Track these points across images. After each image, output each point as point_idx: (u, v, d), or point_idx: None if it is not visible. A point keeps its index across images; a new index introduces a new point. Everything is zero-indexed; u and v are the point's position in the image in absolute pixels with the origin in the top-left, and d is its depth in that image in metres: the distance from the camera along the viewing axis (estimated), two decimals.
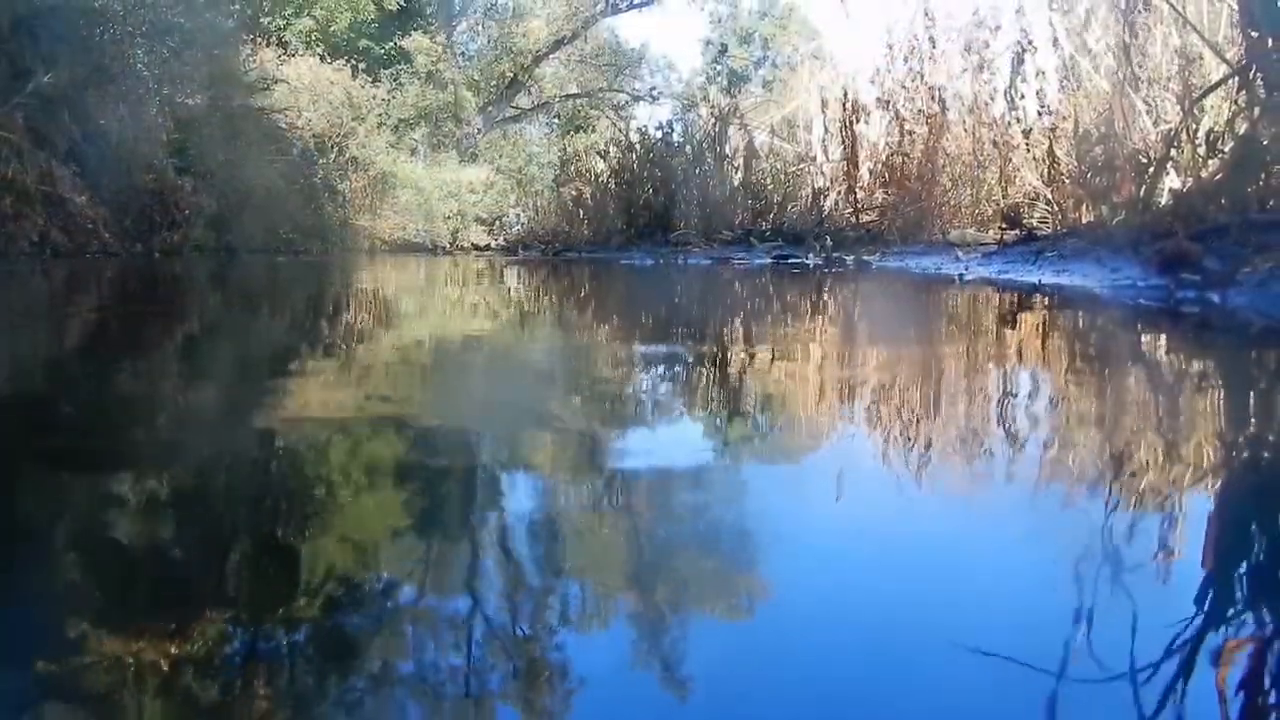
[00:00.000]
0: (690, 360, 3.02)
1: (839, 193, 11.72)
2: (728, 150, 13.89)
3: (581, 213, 15.65)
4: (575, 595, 1.05)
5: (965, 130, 10.16)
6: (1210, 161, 5.97)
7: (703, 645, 0.92)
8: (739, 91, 21.88)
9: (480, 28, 29.95)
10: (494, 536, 1.23)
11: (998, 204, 9.37)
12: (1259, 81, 5.41)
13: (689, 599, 1.05)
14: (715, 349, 3.38)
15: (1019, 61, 9.26)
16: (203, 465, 1.59)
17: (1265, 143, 5.28)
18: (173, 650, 0.86)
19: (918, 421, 1.97)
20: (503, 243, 21.02)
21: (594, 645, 0.93)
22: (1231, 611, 1.03)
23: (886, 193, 10.89)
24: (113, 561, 1.14)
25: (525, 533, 1.25)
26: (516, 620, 0.99)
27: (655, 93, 31.14)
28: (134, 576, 1.10)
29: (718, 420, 2.06)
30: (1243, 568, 1.17)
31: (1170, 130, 6.38)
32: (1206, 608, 1.01)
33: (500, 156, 27.76)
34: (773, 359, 3.03)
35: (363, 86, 20.02)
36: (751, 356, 3.12)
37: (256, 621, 0.95)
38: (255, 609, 0.98)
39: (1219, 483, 1.54)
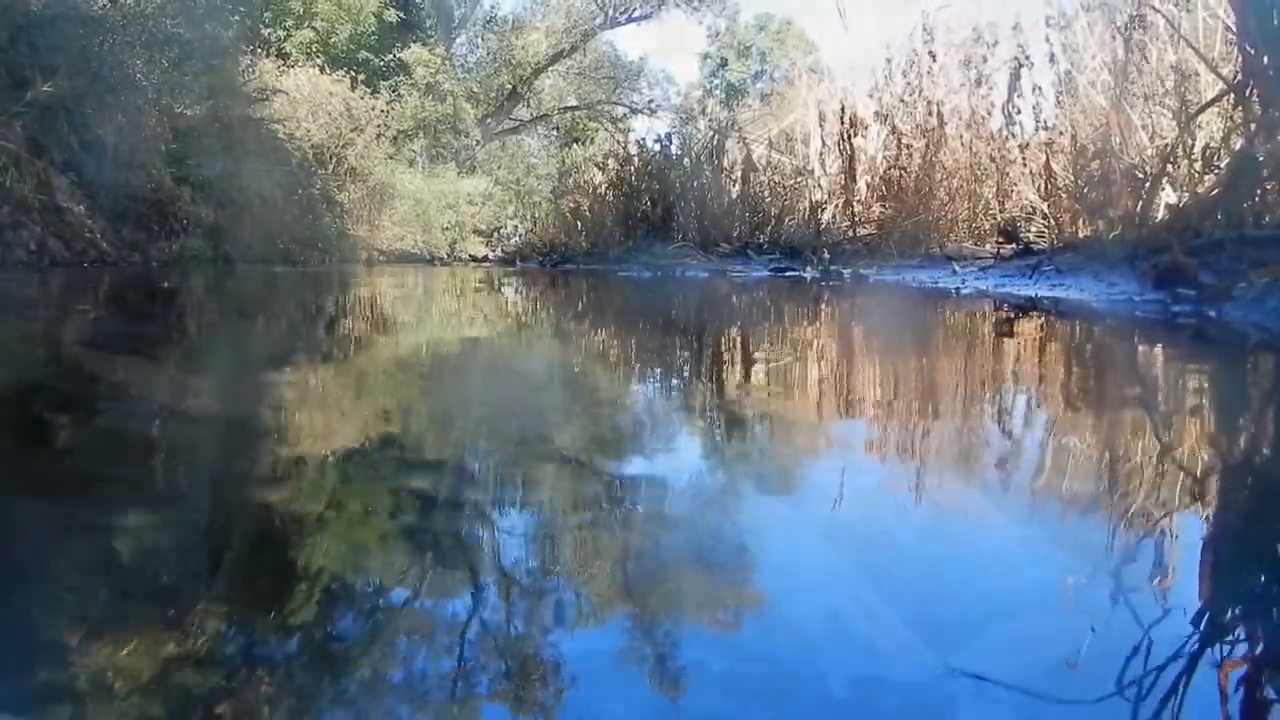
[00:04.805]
0: (689, 378, 3.02)
1: (836, 206, 11.74)
2: (726, 163, 13.92)
3: (579, 224, 15.67)
4: (578, 604, 1.05)
5: (962, 144, 10.18)
6: (1206, 177, 5.99)
7: (701, 659, 0.92)
8: (737, 104, 21.92)
9: (480, 40, 30.05)
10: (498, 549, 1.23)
11: (995, 218, 9.38)
12: (1255, 98, 5.43)
13: (688, 615, 1.04)
14: (713, 366, 3.38)
15: (1016, 77, 9.30)
16: (186, 492, 1.58)
17: (1261, 158, 5.29)
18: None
19: (919, 439, 1.97)
20: (500, 254, 21.04)
21: (601, 655, 0.93)
22: (1234, 627, 1.03)
23: (884, 206, 10.90)
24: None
25: (523, 554, 1.25)
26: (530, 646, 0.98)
27: (653, 105, 31.22)
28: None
29: (716, 440, 2.05)
30: (1245, 585, 1.17)
31: (1166, 146, 6.40)
32: (1208, 624, 1.01)
33: (499, 168, 27.82)
34: (769, 376, 3.03)
35: (362, 98, 20.05)
36: (748, 375, 3.12)
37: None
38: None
39: (1222, 499, 1.54)
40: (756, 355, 3.57)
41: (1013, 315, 5.06)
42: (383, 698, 0.85)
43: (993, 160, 9.56)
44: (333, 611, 1.04)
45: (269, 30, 20.79)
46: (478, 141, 27.65)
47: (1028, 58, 9.23)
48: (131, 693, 0.83)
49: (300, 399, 2.33)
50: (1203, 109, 6.20)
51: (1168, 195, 6.29)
